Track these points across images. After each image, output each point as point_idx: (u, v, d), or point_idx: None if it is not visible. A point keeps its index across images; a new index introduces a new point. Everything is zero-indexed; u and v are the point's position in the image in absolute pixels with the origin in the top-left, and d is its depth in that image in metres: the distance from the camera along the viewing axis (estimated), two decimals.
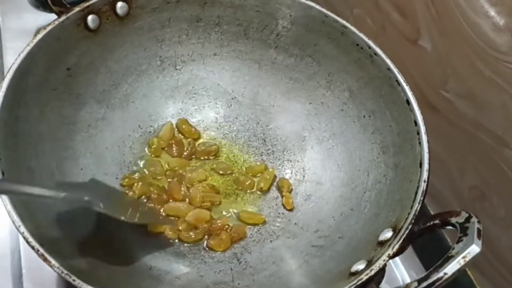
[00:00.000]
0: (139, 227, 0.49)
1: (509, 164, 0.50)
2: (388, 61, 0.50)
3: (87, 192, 0.43)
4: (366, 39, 0.51)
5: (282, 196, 0.54)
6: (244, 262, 0.49)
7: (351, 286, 0.38)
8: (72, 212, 0.45)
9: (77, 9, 0.49)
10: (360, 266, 0.41)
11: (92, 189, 0.44)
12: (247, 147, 0.58)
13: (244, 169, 0.56)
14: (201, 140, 0.58)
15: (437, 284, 0.35)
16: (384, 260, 0.39)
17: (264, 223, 0.52)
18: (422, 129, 0.46)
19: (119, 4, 0.51)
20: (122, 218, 0.45)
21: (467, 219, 0.38)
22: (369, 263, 0.40)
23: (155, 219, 0.51)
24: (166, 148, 0.56)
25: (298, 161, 0.57)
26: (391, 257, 0.39)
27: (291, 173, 0.56)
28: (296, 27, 0.56)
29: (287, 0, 0.54)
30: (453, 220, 0.39)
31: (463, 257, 0.35)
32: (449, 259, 0.35)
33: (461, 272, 0.35)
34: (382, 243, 0.42)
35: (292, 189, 0.55)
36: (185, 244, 0.50)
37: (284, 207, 0.54)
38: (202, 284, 0.46)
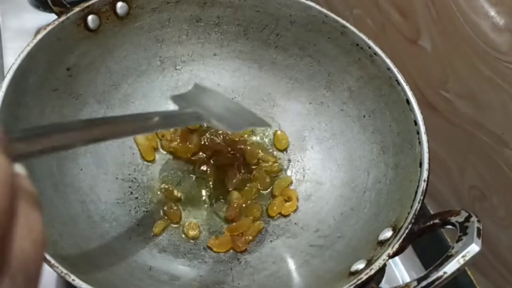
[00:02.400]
0: (140, 228, 0.49)
1: (509, 164, 0.50)
2: (388, 61, 0.50)
3: (197, 106, 0.43)
4: (366, 39, 0.51)
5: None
6: (244, 262, 0.49)
7: (351, 285, 0.38)
8: (72, 212, 0.46)
9: (77, 9, 0.49)
10: (360, 265, 0.41)
11: (200, 100, 0.45)
12: None
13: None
14: None
15: (436, 283, 0.35)
16: (384, 260, 0.39)
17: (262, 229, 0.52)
18: (422, 129, 0.46)
19: (119, 4, 0.51)
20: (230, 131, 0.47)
21: (467, 219, 0.38)
22: (369, 263, 0.40)
23: (259, 122, 0.51)
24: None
25: (298, 161, 0.57)
26: (391, 256, 0.39)
27: (291, 173, 0.56)
28: (296, 27, 0.56)
29: (287, 0, 0.54)
30: (453, 219, 0.39)
31: (463, 256, 0.35)
32: (448, 258, 0.35)
33: (460, 271, 0.35)
34: (382, 243, 0.42)
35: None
36: (185, 244, 0.50)
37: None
38: (202, 284, 0.46)
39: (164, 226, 0.50)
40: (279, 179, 0.55)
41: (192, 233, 0.50)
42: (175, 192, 0.53)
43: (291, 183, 0.55)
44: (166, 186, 0.53)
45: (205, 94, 0.47)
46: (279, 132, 0.58)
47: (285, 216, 0.53)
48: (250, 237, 0.50)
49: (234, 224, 0.51)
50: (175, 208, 0.51)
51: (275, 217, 0.53)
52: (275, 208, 0.53)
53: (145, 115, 0.39)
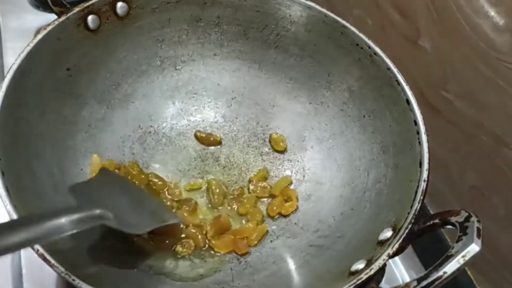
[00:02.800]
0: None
1: (509, 164, 0.50)
2: (388, 61, 0.50)
3: (98, 201, 0.39)
4: (366, 39, 0.51)
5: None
6: (244, 262, 0.49)
7: (350, 285, 0.38)
8: None
9: (77, 9, 0.49)
10: (360, 265, 0.41)
11: (103, 193, 0.42)
12: (247, 147, 0.58)
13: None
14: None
15: (436, 283, 0.35)
16: (383, 260, 0.39)
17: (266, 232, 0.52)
18: (422, 129, 0.46)
19: (119, 4, 0.51)
20: (136, 233, 0.44)
21: (467, 219, 0.38)
22: (369, 263, 0.40)
23: (169, 219, 0.47)
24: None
25: (298, 161, 0.57)
26: (391, 256, 0.39)
27: (291, 173, 0.56)
28: (296, 27, 0.56)
29: (287, 0, 0.54)
30: (453, 219, 0.39)
31: (463, 256, 0.35)
32: (448, 258, 0.35)
33: (460, 271, 0.35)
34: (382, 243, 0.42)
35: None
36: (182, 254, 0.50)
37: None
38: (202, 284, 0.46)
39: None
40: (279, 179, 0.55)
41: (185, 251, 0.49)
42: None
43: (291, 183, 0.55)
44: None
45: (111, 183, 0.44)
46: (274, 135, 0.58)
47: (285, 216, 0.53)
48: (255, 241, 0.50)
49: (238, 228, 0.51)
50: None
51: (275, 217, 0.53)
52: (274, 208, 0.53)
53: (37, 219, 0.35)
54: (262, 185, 0.54)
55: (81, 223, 0.37)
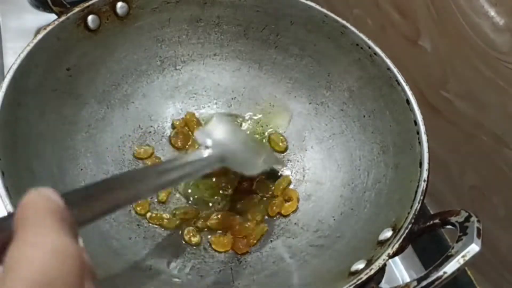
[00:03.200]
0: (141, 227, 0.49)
1: (509, 164, 0.50)
2: (388, 61, 0.50)
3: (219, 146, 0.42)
4: (366, 39, 0.52)
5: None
6: (244, 262, 0.49)
7: (351, 285, 0.38)
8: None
9: (77, 9, 0.49)
10: (360, 265, 0.41)
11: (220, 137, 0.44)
12: None
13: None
14: None
15: (436, 283, 0.35)
16: (383, 260, 0.39)
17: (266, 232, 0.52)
18: (422, 129, 0.46)
19: (119, 4, 0.51)
20: (250, 174, 0.45)
21: (467, 219, 0.38)
22: (369, 263, 0.40)
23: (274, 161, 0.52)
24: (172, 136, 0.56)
25: (298, 161, 0.57)
26: (391, 256, 0.39)
27: (291, 173, 0.56)
28: (296, 27, 0.56)
29: (287, 0, 0.54)
30: (453, 219, 0.39)
31: (463, 256, 0.35)
32: (448, 258, 0.35)
33: (460, 271, 0.35)
34: (382, 243, 0.42)
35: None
36: (188, 245, 0.50)
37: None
38: (202, 284, 0.46)
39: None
40: (279, 179, 0.55)
41: (194, 239, 0.50)
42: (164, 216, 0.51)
43: (290, 182, 0.55)
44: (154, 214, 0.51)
45: (226, 129, 0.46)
46: (273, 135, 0.58)
47: (285, 216, 0.53)
48: (254, 241, 0.50)
49: (237, 227, 0.51)
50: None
51: (275, 217, 0.53)
52: (274, 208, 0.53)
53: (173, 165, 0.38)
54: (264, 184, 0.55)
55: (207, 167, 0.40)
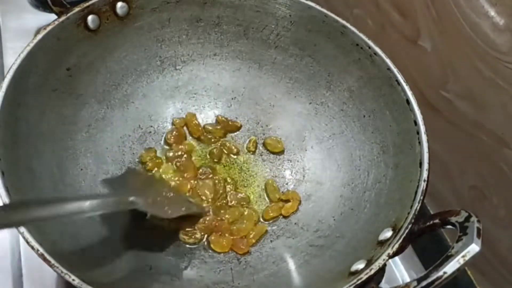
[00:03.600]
0: (139, 226, 0.49)
1: (509, 164, 0.50)
2: (388, 61, 0.50)
3: (129, 191, 0.44)
4: (366, 39, 0.51)
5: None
6: (244, 262, 0.49)
7: (351, 285, 0.38)
8: None
9: (77, 9, 0.49)
10: (360, 265, 0.41)
11: (130, 185, 0.46)
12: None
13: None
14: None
15: (436, 283, 0.35)
16: (383, 260, 0.39)
17: (266, 232, 0.52)
18: (422, 128, 0.46)
19: (119, 4, 0.51)
20: (165, 216, 0.47)
21: (467, 219, 0.38)
22: (369, 263, 0.40)
23: (193, 208, 0.51)
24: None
25: (298, 161, 0.57)
26: (391, 256, 0.39)
27: (291, 173, 0.56)
28: (296, 27, 0.56)
29: (287, 0, 0.54)
30: (453, 219, 0.39)
31: (463, 256, 0.35)
32: (448, 258, 0.35)
33: (460, 271, 0.35)
34: (382, 243, 0.42)
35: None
36: (185, 244, 0.50)
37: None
38: (202, 284, 0.46)
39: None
40: (289, 192, 0.55)
41: (190, 240, 0.50)
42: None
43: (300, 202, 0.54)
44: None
45: (138, 178, 0.48)
46: (268, 140, 0.58)
47: (285, 216, 0.53)
48: (253, 240, 0.50)
49: (236, 227, 0.51)
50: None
51: (271, 220, 0.53)
52: (270, 213, 0.53)
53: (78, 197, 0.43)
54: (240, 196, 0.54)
55: (114, 206, 0.42)
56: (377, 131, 0.52)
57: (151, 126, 0.57)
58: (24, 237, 0.37)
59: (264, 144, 0.58)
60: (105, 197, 0.42)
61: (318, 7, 0.54)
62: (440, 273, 0.35)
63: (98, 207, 0.40)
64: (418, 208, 0.41)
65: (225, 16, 0.56)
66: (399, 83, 0.49)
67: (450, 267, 0.35)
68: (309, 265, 0.48)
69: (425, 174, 0.43)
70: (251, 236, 0.50)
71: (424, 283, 0.35)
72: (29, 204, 0.38)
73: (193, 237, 0.50)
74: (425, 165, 0.44)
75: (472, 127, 0.54)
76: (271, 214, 0.53)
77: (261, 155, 0.57)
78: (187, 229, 0.50)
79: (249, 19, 0.56)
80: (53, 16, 0.49)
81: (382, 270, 0.39)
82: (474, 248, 0.35)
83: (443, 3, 0.52)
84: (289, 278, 0.47)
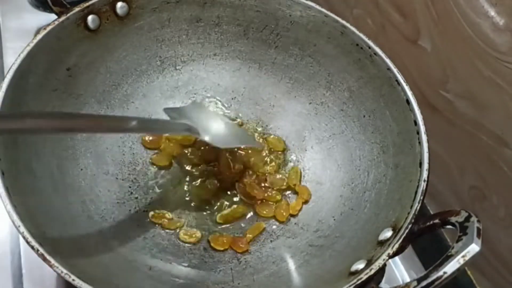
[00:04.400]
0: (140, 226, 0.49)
1: (509, 164, 0.50)
2: (388, 61, 0.50)
3: (187, 119, 0.46)
4: (366, 39, 0.51)
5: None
6: (244, 262, 0.49)
7: (350, 285, 0.38)
8: (72, 212, 0.46)
9: (77, 9, 0.49)
10: (360, 265, 0.41)
11: (193, 115, 0.48)
12: None
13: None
14: None
15: (436, 283, 0.35)
16: (383, 260, 0.39)
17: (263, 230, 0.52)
18: (422, 128, 0.46)
19: (119, 4, 0.51)
20: (221, 146, 0.49)
21: (467, 219, 0.38)
22: (369, 263, 0.40)
23: (251, 142, 0.54)
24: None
25: (298, 161, 0.57)
26: (391, 256, 0.39)
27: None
28: (296, 27, 0.56)
29: (287, 0, 0.54)
30: (453, 219, 0.39)
31: (463, 256, 0.35)
32: (448, 258, 0.35)
33: (460, 271, 0.35)
34: (382, 243, 0.42)
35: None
36: (185, 244, 0.50)
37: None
38: (202, 284, 0.46)
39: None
40: (289, 171, 0.56)
41: (190, 240, 0.50)
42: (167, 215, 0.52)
43: (301, 173, 0.55)
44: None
45: (201, 110, 0.50)
46: (271, 138, 0.58)
47: (294, 216, 0.53)
48: (251, 236, 0.51)
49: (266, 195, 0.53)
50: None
51: (285, 221, 0.53)
52: (283, 212, 0.53)
53: (130, 118, 0.46)
54: (279, 177, 0.55)
55: (172, 129, 0.47)
56: (377, 131, 0.52)
57: None
58: (24, 237, 0.37)
59: (265, 142, 0.58)
60: (160, 120, 0.46)
61: (318, 7, 0.54)
62: (440, 273, 0.35)
63: (150, 128, 0.45)
64: (418, 208, 0.41)
65: (225, 16, 0.56)
66: (399, 83, 0.49)
67: (450, 267, 0.35)
68: (309, 265, 0.48)
69: (425, 174, 0.43)
70: (249, 231, 0.51)
71: (424, 283, 0.35)
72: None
73: (193, 236, 0.50)
74: (425, 165, 0.44)
75: (472, 127, 0.54)
76: (285, 214, 0.53)
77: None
78: (187, 228, 0.50)
79: (249, 19, 0.56)
80: (53, 16, 0.49)
81: (382, 270, 0.39)
82: (474, 248, 0.35)
83: (443, 3, 0.52)
84: (289, 278, 0.47)
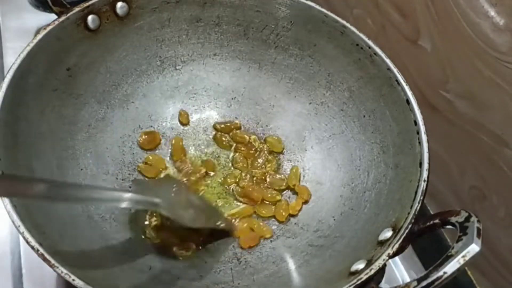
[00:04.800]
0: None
1: (509, 164, 0.50)
2: (388, 61, 0.50)
3: (155, 193, 0.45)
4: (366, 39, 0.51)
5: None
6: (244, 262, 0.49)
7: (350, 285, 0.38)
8: (72, 212, 0.46)
9: (77, 9, 0.49)
10: (360, 265, 0.41)
11: (160, 189, 0.47)
12: None
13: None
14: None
15: (436, 283, 0.35)
16: (383, 260, 0.39)
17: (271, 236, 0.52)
18: (422, 128, 0.46)
19: (119, 4, 0.51)
20: (188, 224, 0.47)
21: (467, 219, 0.38)
22: (369, 263, 0.40)
23: (219, 222, 0.51)
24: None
25: (298, 161, 0.57)
26: (391, 256, 0.39)
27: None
28: (296, 27, 0.56)
29: (287, 0, 0.54)
30: (453, 219, 0.39)
31: (463, 256, 0.35)
32: (448, 258, 0.35)
33: (460, 271, 0.35)
34: (382, 243, 0.42)
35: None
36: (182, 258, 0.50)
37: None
38: (202, 284, 0.46)
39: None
40: (290, 172, 0.56)
41: (188, 254, 0.49)
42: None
43: (300, 173, 0.56)
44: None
45: (170, 186, 0.49)
46: (270, 138, 0.58)
47: (294, 216, 0.53)
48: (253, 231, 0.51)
49: (256, 226, 0.52)
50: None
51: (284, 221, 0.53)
52: (282, 212, 0.53)
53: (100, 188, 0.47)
54: (278, 177, 0.55)
55: (139, 204, 0.45)
56: (377, 131, 0.52)
57: (151, 126, 0.57)
58: (24, 237, 0.37)
59: (265, 141, 0.58)
60: (132, 192, 0.44)
61: (318, 7, 0.54)
62: (440, 273, 0.35)
63: (121, 200, 0.42)
64: (418, 208, 0.41)
65: (225, 16, 0.56)
66: (399, 83, 0.49)
67: (450, 267, 0.35)
68: (309, 265, 0.48)
69: (425, 174, 0.43)
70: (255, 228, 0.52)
71: (424, 283, 0.35)
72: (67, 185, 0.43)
73: (190, 249, 0.49)
74: (425, 165, 0.44)
75: (472, 127, 0.54)
76: (285, 214, 0.53)
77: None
78: (184, 243, 0.49)
79: (249, 19, 0.56)
80: (53, 16, 0.49)
81: (382, 270, 0.39)
82: (474, 248, 0.35)
83: (443, 3, 0.52)
84: (289, 278, 0.47)
